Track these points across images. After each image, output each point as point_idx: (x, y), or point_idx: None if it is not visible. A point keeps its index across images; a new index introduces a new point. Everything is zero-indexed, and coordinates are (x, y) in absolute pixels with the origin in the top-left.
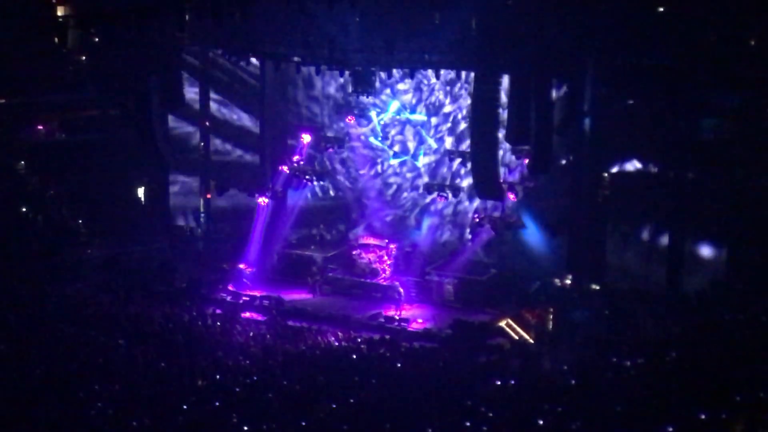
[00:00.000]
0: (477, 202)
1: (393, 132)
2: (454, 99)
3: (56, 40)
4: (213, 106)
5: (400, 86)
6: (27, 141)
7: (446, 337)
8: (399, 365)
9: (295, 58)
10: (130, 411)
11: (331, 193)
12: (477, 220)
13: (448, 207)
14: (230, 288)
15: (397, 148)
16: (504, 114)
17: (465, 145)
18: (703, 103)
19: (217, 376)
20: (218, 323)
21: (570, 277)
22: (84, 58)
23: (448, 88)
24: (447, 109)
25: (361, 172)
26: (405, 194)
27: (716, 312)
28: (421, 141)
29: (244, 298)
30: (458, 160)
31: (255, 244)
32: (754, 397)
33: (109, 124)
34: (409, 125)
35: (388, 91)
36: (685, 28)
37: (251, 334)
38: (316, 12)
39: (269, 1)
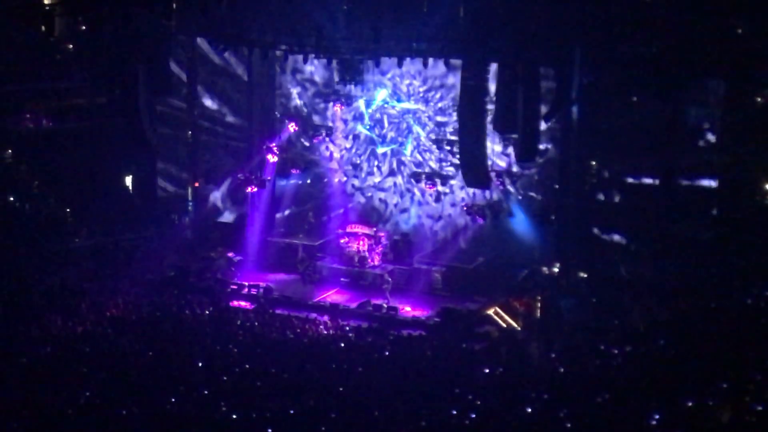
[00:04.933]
0: (465, 191)
1: (381, 120)
2: (443, 86)
3: (43, 27)
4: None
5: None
6: (14, 129)
7: (434, 325)
8: (387, 353)
9: (283, 47)
10: (117, 400)
11: (321, 181)
12: (465, 208)
13: (435, 195)
14: (218, 276)
15: (387, 134)
16: (492, 102)
17: (453, 133)
18: (689, 91)
19: (200, 364)
20: (206, 312)
21: (558, 265)
22: (71, 46)
23: (437, 75)
24: (435, 96)
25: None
26: (393, 182)
27: (703, 299)
28: (409, 129)
29: (233, 286)
30: (446, 149)
31: (243, 232)
32: (741, 384)
33: (97, 112)
34: (397, 113)
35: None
36: (672, 16)
37: (239, 322)
38: (304, 0)
39: None
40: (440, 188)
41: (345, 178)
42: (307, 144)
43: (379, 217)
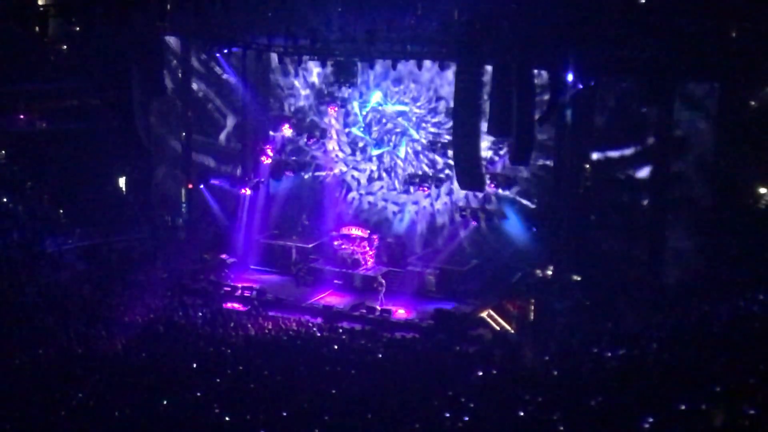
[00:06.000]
0: (459, 193)
1: (375, 122)
2: (438, 89)
3: (37, 29)
4: None
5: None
6: (8, 130)
7: (427, 327)
8: (380, 356)
9: (277, 48)
10: (110, 401)
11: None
12: (459, 210)
13: (429, 198)
14: (212, 278)
15: (381, 138)
16: (486, 105)
17: (447, 135)
18: (683, 94)
19: (194, 365)
20: (200, 313)
21: (551, 267)
22: (65, 47)
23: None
24: (429, 99)
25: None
26: (387, 185)
27: (696, 303)
28: (403, 131)
29: (226, 288)
30: (440, 151)
31: (237, 234)
32: (734, 388)
33: (91, 113)
34: (391, 115)
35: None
36: (666, 19)
37: (232, 324)
38: (298, 2)
39: None
40: (434, 190)
41: (337, 180)
42: (301, 145)
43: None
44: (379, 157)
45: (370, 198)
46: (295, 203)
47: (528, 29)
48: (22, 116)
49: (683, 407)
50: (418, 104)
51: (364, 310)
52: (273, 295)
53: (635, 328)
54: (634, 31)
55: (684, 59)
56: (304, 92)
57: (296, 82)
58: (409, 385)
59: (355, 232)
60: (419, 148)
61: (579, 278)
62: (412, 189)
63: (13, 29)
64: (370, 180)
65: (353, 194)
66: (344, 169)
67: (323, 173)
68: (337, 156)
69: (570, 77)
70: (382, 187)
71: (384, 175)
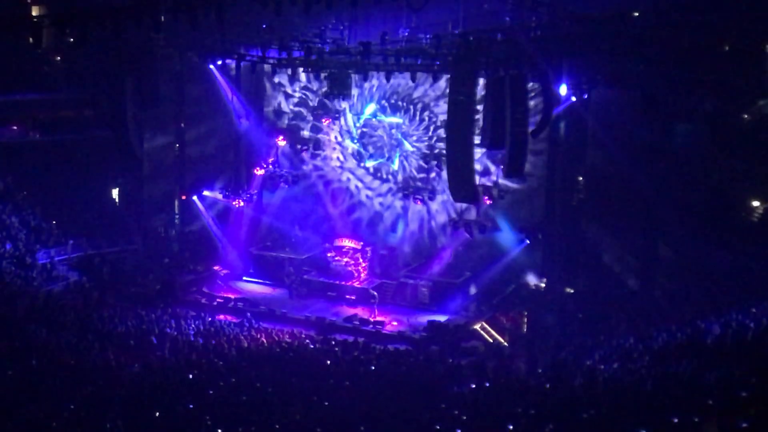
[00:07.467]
0: (452, 205)
1: (369, 134)
2: (432, 101)
3: (31, 39)
4: None
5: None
6: (1, 141)
7: (420, 339)
8: (373, 368)
9: (271, 60)
10: (102, 413)
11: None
12: (452, 222)
13: (423, 210)
14: (205, 290)
15: (371, 150)
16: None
17: (440, 148)
18: (677, 108)
19: (187, 377)
20: (192, 325)
21: (544, 280)
22: (59, 58)
23: (425, 90)
24: (424, 111)
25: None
26: (380, 197)
27: (689, 316)
28: (397, 143)
29: (219, 300)
30: (434, 163)
31: (230, 246)
32: (726, 401)
33: (84, 124)
34: (385, 127)
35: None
36: (660, 32)
37: (225, 336)
38: (292, 14)
39: (245, 3)
40: (427, 202)
41: (331, 192)
42: (295, 157)
43: (366, 231)
44: (373, 168)
45: (365, 206)
46: (287, 215)
47: (521, 41)
48: (15, 127)
49: (676, 420)
50: (412, 117)
51: (357, 322)
52: (266, 307)
53: (628, 341)
54: (628, 44)
55: (677, 72)
56: (297, 99)
57: (294, 94)
58: (402, 397)
59: (348, 243)
60: (413, 159)
61: (572, 291)
62: (405, 200)
63: (7, 40)
64: (361, 189)
65: (345, 203)
66: (337, 179)
67: (318, 184)
68: (332, 167)
69: (564, 90)
70: (377, 197)
71: (378, 186)
